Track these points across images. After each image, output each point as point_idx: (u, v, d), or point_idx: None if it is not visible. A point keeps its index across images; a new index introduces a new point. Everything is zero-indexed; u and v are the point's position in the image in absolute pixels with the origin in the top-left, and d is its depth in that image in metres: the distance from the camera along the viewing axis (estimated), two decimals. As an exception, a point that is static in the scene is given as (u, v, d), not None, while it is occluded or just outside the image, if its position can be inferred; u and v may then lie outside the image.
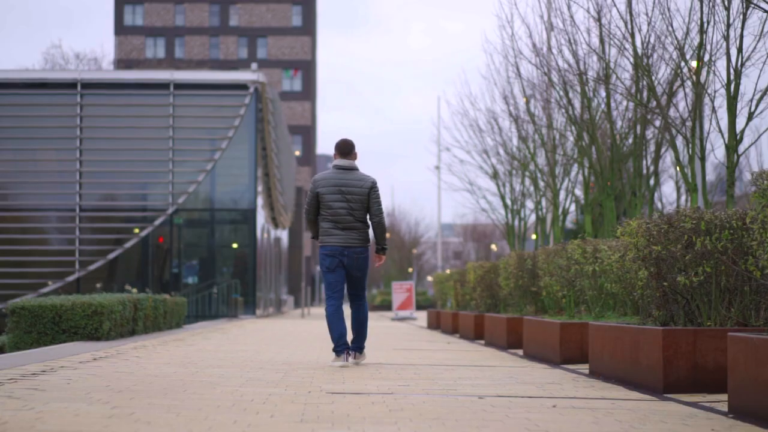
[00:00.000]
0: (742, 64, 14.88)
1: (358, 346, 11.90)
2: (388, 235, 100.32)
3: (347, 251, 11.48)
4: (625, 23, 18.18)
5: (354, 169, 11.61)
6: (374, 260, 12.09)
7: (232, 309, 42.74)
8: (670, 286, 9.42)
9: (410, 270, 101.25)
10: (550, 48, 24.07)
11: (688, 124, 17.24)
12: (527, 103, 27.81)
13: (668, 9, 16.98)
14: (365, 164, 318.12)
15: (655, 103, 18.95)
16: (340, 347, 11.45)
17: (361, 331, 11.90)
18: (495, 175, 32.46)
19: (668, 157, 29.25)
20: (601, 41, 20.13)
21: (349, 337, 11.98)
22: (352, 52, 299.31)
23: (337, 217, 11.45)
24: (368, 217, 11.70)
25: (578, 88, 22.07)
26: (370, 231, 11.91)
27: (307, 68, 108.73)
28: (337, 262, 11.51)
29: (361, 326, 11.88)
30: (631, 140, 22.00)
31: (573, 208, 32.00)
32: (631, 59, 18.81)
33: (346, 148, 11.68)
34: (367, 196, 11.51)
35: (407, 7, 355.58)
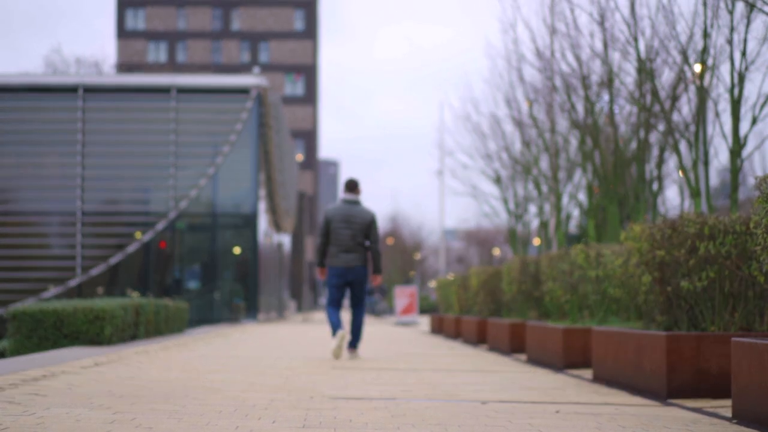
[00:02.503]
0: (746, 68, 14.87)
1: (353, 344, 14.62)
2: (390, 240, 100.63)
3: (348, 271, 14.34)
4: (629, 27, 18.16)
5: (358, 202, 14.49)
6: (372, 280, 14.90)
7: (234, 314, 42.72)
8: (673, 291, 9.38)
9: (412, 274, 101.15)
10: (553, 52, 24.07)
11: (692, 128, 17.21)
12: (530, 107, 27.80)
13: (672, 13, 16.97)
14: (365, 170, 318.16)
15: (658, 107, 18.92)
16: (336, 329, 14.08)
17: (356, 334, 14.68)
18: (498, 180, 32.44)
19: (672, 162, 29.26)
20: (605, 45, 20.11)
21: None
22: (333, 59, 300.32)
23: (342, 242, 14.27)
24: (367, 242, 14.46)
25: (581, 92, 22.05)
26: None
27: (309, 72, 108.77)
28: (341, 280, 14.37)
29: (358, 329, 14.69)
30: (634, 144, 21.97)
31: (576, 212, 31.98)
32: (635, 63, 18.79)
33: (351, 186, 14.58)
34: (368, 226, 14.34)
35: (378, 13, 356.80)
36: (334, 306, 14.45)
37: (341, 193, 14.62)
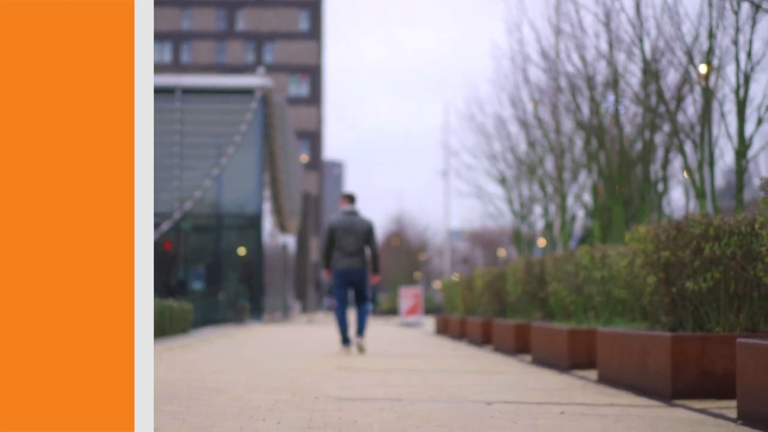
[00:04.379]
0: (752, 69, 14.85)
1: (360, 329, 16.31)
2: (395, 241, 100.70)
3: (350, 272, 16.29)
4: (634, 28, 18.14)
5: (357, 213, 16.51)
6: (371, 279, 16.76)
7: (238, 315, 42.69)
8: (678, 292, 9.36)
9: (418, 276, 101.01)
10: (558, 53, 24.05)
11: (697, 129, 17.19)
12: (535, 107, 27.78)
13: (677, 14, 16.94)
14: (368, 171, 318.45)
15: (663, 108, 18.90)
16: (346, 341, 16.34)
17: (362, 323, 16.35)
18: (503, 180, 32.42)
19: (677, 163, 29.24)
20: (610, 46, 20.09)
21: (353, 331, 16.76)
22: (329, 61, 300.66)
23: (345, 248, 16.23)
24: (366, 247, 16.50)
25: (586, 93, 22.04)
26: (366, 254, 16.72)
27: (314, 73, 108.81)
28: (344, 280, 16.30)
29: (362, 320, 16.38)
30: (639, 145, 21.94)
31: (581, 213, 31.97)
32: (640, 64, 18.77)
33: (351, 199, 16.63)
34: (367, 233, 16.38)
35: (366, 14, 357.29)
36: (341, 305, 16.49)
37: (341, 206, 16.64)
